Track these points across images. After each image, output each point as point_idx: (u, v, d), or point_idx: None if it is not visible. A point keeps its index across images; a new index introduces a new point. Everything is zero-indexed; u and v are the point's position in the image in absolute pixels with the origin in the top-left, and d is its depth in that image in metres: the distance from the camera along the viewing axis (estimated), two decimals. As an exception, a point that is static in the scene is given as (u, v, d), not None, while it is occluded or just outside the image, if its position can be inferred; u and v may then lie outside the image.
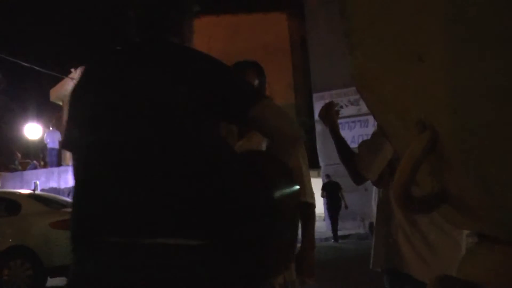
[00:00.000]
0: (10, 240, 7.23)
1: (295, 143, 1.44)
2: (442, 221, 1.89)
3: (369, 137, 2.11)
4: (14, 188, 15.18)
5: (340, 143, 2.16)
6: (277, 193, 1.31)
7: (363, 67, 0.68)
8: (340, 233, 13.30)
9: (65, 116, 21.25)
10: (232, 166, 1.31)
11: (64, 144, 1.47)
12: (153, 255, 1.22)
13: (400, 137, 0.70)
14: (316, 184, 14.92)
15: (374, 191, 2.16)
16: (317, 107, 15.21)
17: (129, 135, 1.28)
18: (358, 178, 2.04)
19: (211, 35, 18.41)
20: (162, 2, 1.48)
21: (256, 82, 2.16)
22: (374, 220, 2.16)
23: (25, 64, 18.42)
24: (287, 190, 1.36)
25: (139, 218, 1.24)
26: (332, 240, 12.94)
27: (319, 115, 2.27)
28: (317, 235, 10.97)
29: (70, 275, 1.36)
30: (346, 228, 14.05)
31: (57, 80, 21.48)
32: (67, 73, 20.46)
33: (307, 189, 2.12)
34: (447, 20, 0.57)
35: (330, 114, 2.23)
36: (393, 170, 1.98)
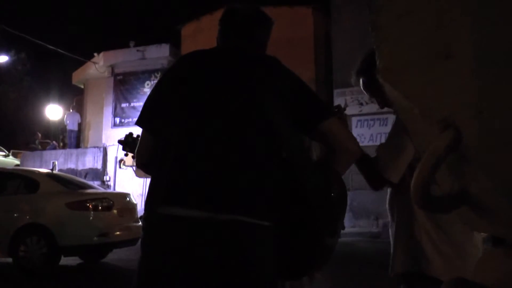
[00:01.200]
0: (28, 217, 7.36)
1: (353, 158, 1.62)
2: None
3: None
4: (34, 167, 15.44)
5: None
6: (336, 198, 1.53)
7: (388, 61, 0.68)
8: (353, 230, 13.26)
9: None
10: (304, 167, 1.51)
11: (142, 120, 1.61)
12: (226, 230, 1.37)
13: (422, 134, 0.70)
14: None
15: (389, 193, 2.13)
16: (337, 103, 15.13)
17: (220, 125, 1.46)
18: (376, 182, 1.99)
19: (234, 26, 18.32)
20: (260, 19, 1.76)
21: None
22: (389, 222, 2.13)
23: (50, 47, 18.70)
24: (341, 196, 1.56)
25: (222, 195, 1.39)
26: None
27: None
28: (329, 231, 10.79)
29: (144, 244, 1.49)
30: (360, 226, 13.99)
31: (79, 64, 21.70)
32: (89, 57, 20.66)
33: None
34: (476, 18, 0.56)
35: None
36: (412, 172, 1.96)
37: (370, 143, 14.08)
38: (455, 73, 0.60)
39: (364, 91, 2.18)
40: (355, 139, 1.63)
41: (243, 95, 1.48)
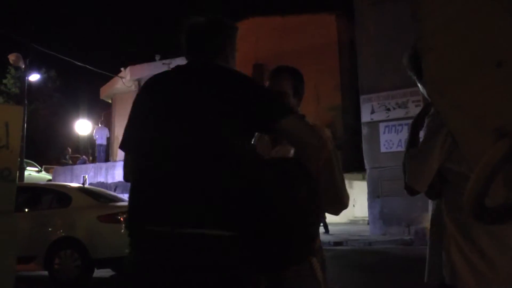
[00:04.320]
0: (61, 231, 7.49)
1: (318, 151, 1.65)
2: (503, 235, 1.81)
3: None
4: (65, 182, 15.75)
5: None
6: (301, 193, 1.54)
7: (436, 71, 0.66)
8: (384, 238, 13.05)
9: (114, 115, 21.87)
10: (260, 170, 1.56)
11: (122, 144, 1.75)
12: (193, 243, 1.45)
13: (474, 145, 0.67)
14: (362, 187, 14.73)
15: (430, 202, 2.08)
16: (364, 109, 14.97)
17: (178, 140, 1.55)
18: (409, 189, 1.96)
19: (259, 36, 18.45)
20: (209, 30, 1.76)
21: (291, 86, 2.20)
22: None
23: (78, 63, 19.12)
24: (310, 190, 1.57)
25: (183, 211, 1.48)
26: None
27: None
28: (361, 239, 10.82)
29: (125, 259, 1.63)
30: (391, 233, 13.75)
31: (107, 79, 22.13)
32: (116, 72, 21.05)
33: (338, 190, 2.09)
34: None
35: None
36: (442, 180, 1.91)
37: (399, 149, 13.87)
38: (508, 80, 0.58)
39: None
40: (316, 134, 1.66)
41: (197, 113, 1.57)
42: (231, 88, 1.61)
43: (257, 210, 1.50)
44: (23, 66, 16.97)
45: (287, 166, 1.63)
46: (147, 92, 1.74)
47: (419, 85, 2.04)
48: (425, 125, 1.93)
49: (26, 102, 16.65)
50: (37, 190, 8.46)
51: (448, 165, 1.87)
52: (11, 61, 17.07)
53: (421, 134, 1.99)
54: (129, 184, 1.67)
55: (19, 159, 7.10)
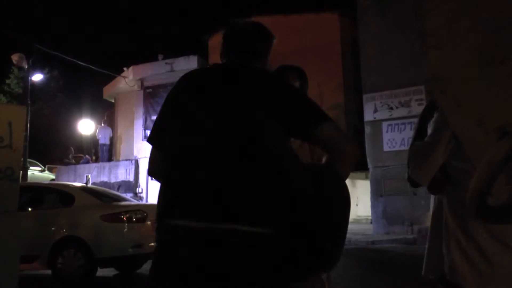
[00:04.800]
0: (64, 230, 7.51)
1: (352, 159, 1.63)
2: (504, 235, 1.80)
3: None
4: (68, 181, 15.79)
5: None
6: (334, 198, 1.56)
7: (438, 69, 0.65)
8: (388, 237, 13.03)
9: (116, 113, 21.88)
10: (297, 170, 1.56)
11: (152, 139, 1.74)
12: (228, 240, 1.43)
13: (476, 143, 0.67)
14: (365, 186, 14.71)
15: (432, 197, 2.08)
16: (367, 108, 14.94)
17: (215, 136, 1.54)
18: (412, 181, 1.97)
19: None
20: (252, 33, 1.80)
21: (296, 85, 2.20)
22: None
23: (81, 63, 19.16)
24: (343, 196, 1.58)
25: (220, 206, 1.46)
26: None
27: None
28: (364, 238, 10.80)
29: (154, 253, 1.60)
30: (394, 232, 13.73)
31: (110, 79, 22.16)
32: (119, 71, 21.07)
33: None
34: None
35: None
36: (446, 176, 1.90)
37: (402, 148, 13.84)
38: (511, 78, 0.58)
39: None
40: (351, 140, 1.66)
41: (239, 111, 1.56)
42: (269, 90, 1.61)
43: (292, 210, 1.49)
44: (26, 66, 17.01)
45: (322, 171, 1.63)
46: (184, 87, 1.72)
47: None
48: (433, 119, 1.92)
49: (29, 102, 16.68)
50: (40, 190, 8.50)
51: (453, 162, 1.86)
52: (14, 61, 17.11)
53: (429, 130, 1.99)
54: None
55: (22, 158, 7.11)
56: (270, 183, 1.50)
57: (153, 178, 1.79)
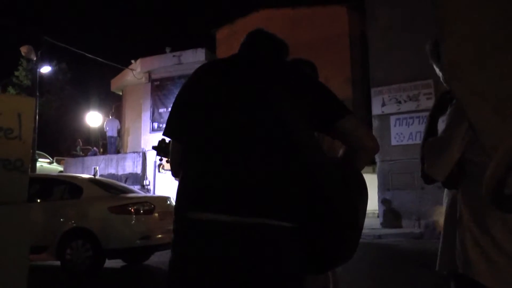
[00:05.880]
0: (73, 221, 7.56)
1: (373, 154, 1.64)
2: None
3: None
4: (76, 173, 15.88)
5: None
6: (354, 192, 1.56)
7: (455, 56, 0.64)
8: (394, 231, 13.03)
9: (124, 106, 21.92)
10: (323, 166, 1.55)
11: (169, 132, 1.69)
12: (256, 234, 1.42)
13: (493, 131, 0.66)
14: (372, 180, 14.71)
15: (446, 192, 2.05)
16: (375, 102, 14.89)
17: (240, 128, 1.52)
18: (426, 177, 1.95)
19: (269, 28, 18.27)
20: (282, 43, 1.81)
21: None
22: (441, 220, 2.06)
23: (89, 56, 19.21)
24: (360, 189, 1.59)
25: (246, 200, 1.45)
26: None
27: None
28: (370, 232, 10.77)
29: (174, 246, 1.55)
30: (401, 226, 13.73)
31: (117, 71, 22.21)
32: (127, 64, 21.11)
33: None
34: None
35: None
36: (462, 170, 1.89)
37: (410, 142, 13.80)
38: (530, 65, 0.57)
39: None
40: (372, 135, 1.66)
41: (265, 103, 1.54)
42: (294, 81, 1.60)
43: (317, 203, 1.49)
44: (35, 58, 17.08)
45: (343, 164, 1.63)
46: (204, 79, 1.67)
47: (439, 74, 2.01)
48: (447, 113, 1.90)
49: (37, 94, 16.77)
50: (49, 181, 8.53)
51: (469, 156, 1.84)
52: (23, 53, 17.19)
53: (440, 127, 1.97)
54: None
55: (31, 150, 7.16)
56: (297, 176, 1.49)
57: (177, 178, 1.71)
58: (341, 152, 1.68)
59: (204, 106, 1.59)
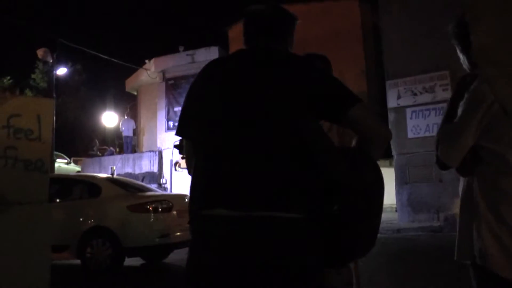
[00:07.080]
0: (92, 220, 7.65)
1: (385, 142, 1.63)
2: None
3: None
4: (94, 173, 16.05)
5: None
6: (368, 180, 1.54)
7: (485, 41, 0.64)
8: (413, 225, 12.92)
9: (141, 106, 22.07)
10: (332, 156, 1.55)
11: (180, 131, 1.71)
12: (263, 226, 1.43)
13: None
14: (389, 174, 14.62)
15: (461, 180, 2.03)
16: (390, 95, 14.75)
17: (247, 123, 1.53)
18: (441, 163, 1.93)
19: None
20: (275, 17, 1.77)
21: None
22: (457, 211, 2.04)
23: (104, 56, 19.37)
24: (377, 179, 1.57)
25: (254, 194, 1.47)
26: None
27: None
28: (389, 226, 10.69)
29: (191, 244, 1.58)
30: (420, 220, 13.59)
31: (132, 71, 22.37)
32: (141, 64, 21.25)
33: None
34: None
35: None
36: (476, 157, 1.86)
37: (427, 134, 13.65)
38: None
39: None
40: (384, 123, 1.65)
41: (269, 95, 1.54)
42: (301, 73, 1.59)
43: (327, 194, 1.50)
44: (51, 61, 17.28)
45: (355, 154, 1.62)
46: (211, 76, 1.70)
47: (460, 56, 1.98)
48: (464, 100, 1.88)
49: (54, 95, 16.97)
50: (68, 181, 8.65)
51: (484, 143, 1.82)
52: (39, 56, 17.43)
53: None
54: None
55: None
56: (304, 168, 1.49)
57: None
58: (354, 142, 1.67)
59: (211, 105, 1.62)
